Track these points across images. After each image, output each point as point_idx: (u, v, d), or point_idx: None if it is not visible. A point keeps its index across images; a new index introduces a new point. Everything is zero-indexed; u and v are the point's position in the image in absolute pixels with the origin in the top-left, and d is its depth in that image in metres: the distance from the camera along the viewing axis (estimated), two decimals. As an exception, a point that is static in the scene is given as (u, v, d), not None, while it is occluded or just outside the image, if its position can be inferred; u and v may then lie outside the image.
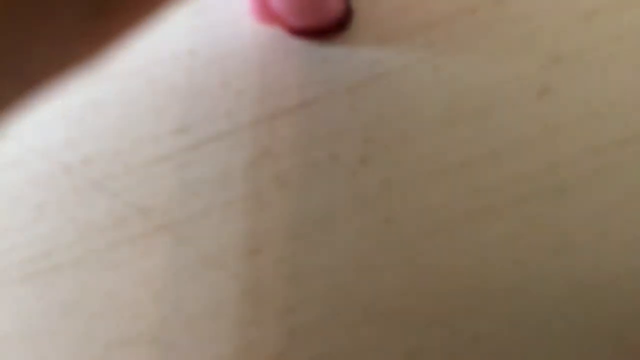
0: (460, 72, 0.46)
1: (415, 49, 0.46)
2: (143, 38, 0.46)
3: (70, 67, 0.30)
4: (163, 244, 0.44)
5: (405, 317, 0.42)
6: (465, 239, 0.43)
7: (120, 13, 0.30)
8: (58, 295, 0.43)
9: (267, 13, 0.45)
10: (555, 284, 0.42)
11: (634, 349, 0.41)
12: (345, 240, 0.43)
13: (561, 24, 0.46)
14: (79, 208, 0.44)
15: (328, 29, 0.46)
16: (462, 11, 0.46)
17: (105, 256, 0.44)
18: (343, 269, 0.43)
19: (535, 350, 0.42)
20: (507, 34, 0.46)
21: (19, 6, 0.26)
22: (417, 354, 0.42)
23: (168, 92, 0.46)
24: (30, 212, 0.44)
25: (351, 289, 0.43)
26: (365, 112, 0.45)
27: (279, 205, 0.44)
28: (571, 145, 0.44)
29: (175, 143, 0.45)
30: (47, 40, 0.28)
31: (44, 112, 0.46)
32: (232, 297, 0.43)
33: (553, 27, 0.46)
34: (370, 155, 0.45)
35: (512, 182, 0.44)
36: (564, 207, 0.43)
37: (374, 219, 0.44)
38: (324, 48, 0.46)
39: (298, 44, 0.47)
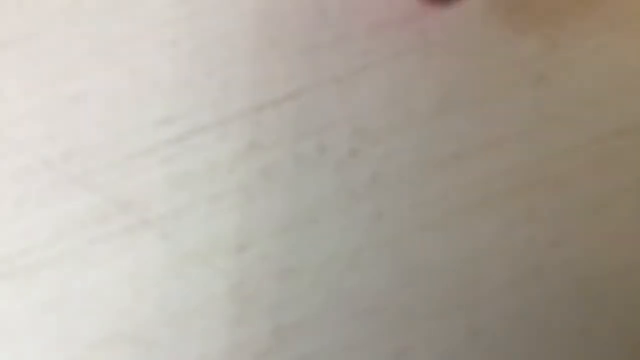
0: (453, 60, 0.44)
1: (406, 37, 0.45)
2: (125, 28, 0.45)
3: None
4: (146, 240, 0.42)
5: (395, 314, 0.41)
6: (458, 232, 0.42)
7: None
8: (38, 293, 0.42)
9: None
10: (552, 278, 0.41)
11: (633, 343, 0.40)
12: (334, 235, 0.42)
13: (557, 10, 0.45)
14: (59, 203, 0.43)
15: None
16: (455, -2, 0.45)
17: (86, 253, 0.42)
18: (331, 265, 0.42)
19: (533, 345, 0.40)
20: (501, 20, 0.45)
21: None
22: (408, 351, 0.40)
23: (151, 83, 0.45)
24: (9, 208, 0.43)
25: (339, 286, 0.41)
26: (354, 102, 0.44)
27: (265, 200, 0.43)
28: (568, 135, 0.43)
29: (158, 135, 0.44)
30: None
31: (22, 105, 0.45)
32: (218, 294, 0.41)
33: (549, 12, 0.45)
34: (360, 147, 0.43)
35: (506, 173, 0.43)
36: (560, 199, 0.42)
37: (363, 213, 0.42)
38: (311, 36, 0.45)
39: (285, 33, 0.45)
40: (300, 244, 0.42)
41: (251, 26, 0.45)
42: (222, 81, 0.45)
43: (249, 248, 0.42)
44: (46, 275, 0.42)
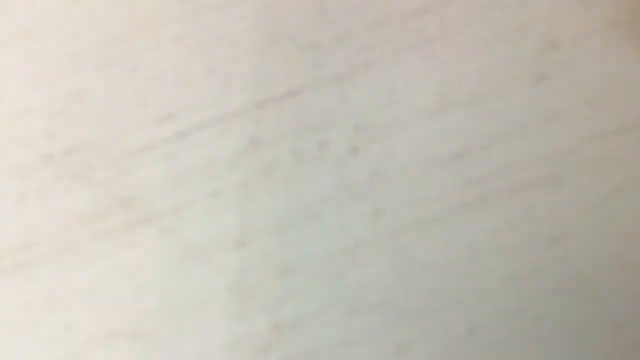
0: (453, 59, 0.44)
1: (406, 35, 0.45)
2: (126, 25, 0.45)
3: None
4: (146, 236, 0.42)
5: (395, 311, 0.41)
6: (457, 230, 0.42)
7: None
8: (38, 289, 0.42)
9: None
10: (551, 275, 0.41)
11: (630, 341, 0.40)
12: (334, 232, 0.42)
13: (558, 9, 0.45)
14: (61, 199, 0.43)
15: None
16: (455, -4, 0.45)
17: (87, 249, 0.42)
18: (331, 261, 0.42)
19: (531, 343, 0.40)
20: (501, 18, 0.45)
21: None
22: (407, 347, 0.40)
23: (152, 80, 0.45)
24: (10, 203, 0.43)
25: (339, 282, 0.41)
26: (354, 100, 0.44)
27: (266, 196, 0.43)
28: (567, 134, 0.43)
29: (159, 132, 0.44)
30: None
31: (24, 102, 0.45)
32: (218, 290, 0.42)
33: (549, 11, 0.45)
34: (360, 145, 0.44)
35: (505, 171, 0.43)
36: (559, 197, 0.42)
37: (363, 211, 0.42)
38: (312, 34, 0.45)
39: (285, 30, 0.45)
40: (300, 241, 0.42)
41: (252, 24, 0.46)
42: (223, 78, 0.45)
43: (249, 244, 0.42)
44: (47, 270, 0.42)
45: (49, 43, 0.46)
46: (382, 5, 0.45)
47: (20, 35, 0.46)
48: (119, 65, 0.45)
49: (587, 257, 0.41)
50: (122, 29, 0.46)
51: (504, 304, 0.41)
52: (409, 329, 0.41)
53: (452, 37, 0.45)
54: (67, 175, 0.44)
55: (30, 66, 0.45)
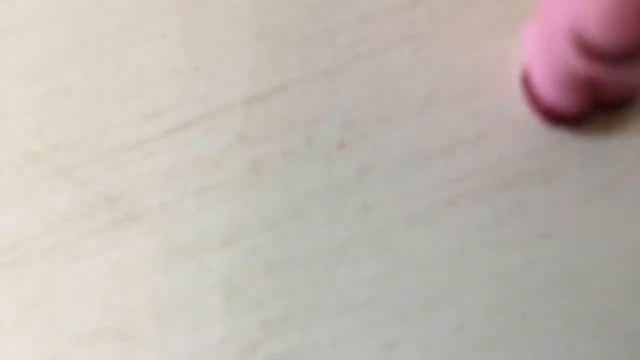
0: (442, 53, 0.44)
1: (395, 29, 0.45)
2: (111, 21, 0.45)
3: None
4: (132, 234, 0.42)
5: (383, 308, 0.40)
6: (446, 226, 0.41)
7: None
8: (25, 287, 0.42)
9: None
10: (541, 271, 0.40)
11: (622, 336, 0.39)
12: (321, 229, 0.42)
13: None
14: (46, 197, 0.43)
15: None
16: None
17: (73, 247, 0.42)
18: (319, 259, 0.41)
19: (520, 340, 0.40)
20: (490, 12, 0.44)
21: None
22: (395, 345, 0.40)
23: (138, 76, 0.44)
24: (-5, 202, 0.43)
25: (327, 280, 0.41)
26: (342, 95, 0.44)
27: (253, 193, 0.42)
28: (557, 129, 0.42)
29: (146, 129, 0.44)
30: None
31: (9, 100, 0.44)
32: (205, 288, 0.41)
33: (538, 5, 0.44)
34: (348, 140, 0.43)
35: (496, 166, 0.42)
36: (550, 191, 0.42)
37: (351, 206, 0.42)
38: (300, 29, 0.45)
39: (273, 26, 0.45)
40: (288, 238, 0.42)
41: (240, 19, 0.45)
42: (210, 74, 0.44)
43: (236, 242, 0.42)
44: (33, 269, 0.42)
45: (34, 40, 0.45)
46: (370, 0, 0.45)
47: (4, 32, 0.46)
48: (104, 62, 0.45)
49: (577, 253, 0.41)
50: (108, 25, 0.45)
51: (492, 300, 0.40)
52: (397, 327, 0.40)
53: (441, 31, 0.44)
54: (53, 173, 0.43)
55: (15, 63, 0.45)
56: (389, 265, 0.41)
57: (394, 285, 0.41)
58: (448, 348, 0.40)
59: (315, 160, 0.43)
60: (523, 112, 0.43)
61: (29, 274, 0.42)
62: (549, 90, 0.40)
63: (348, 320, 0.40)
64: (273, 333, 0.40)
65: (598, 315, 0.40)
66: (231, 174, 0.43)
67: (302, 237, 0.42)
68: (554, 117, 0.41)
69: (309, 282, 0.41)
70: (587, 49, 0.34)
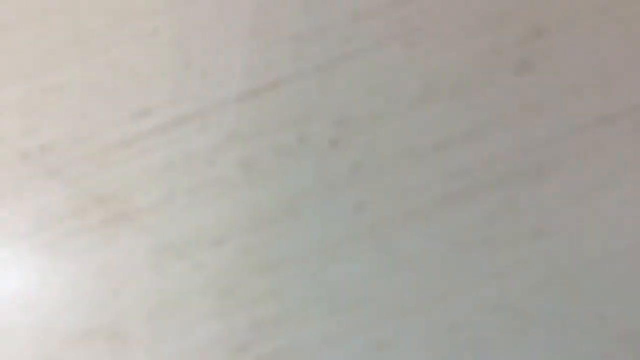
0: (435, 48, 0.43)
1: (388, 24, 0.44)
2: (102, 19, 0.44)
3: None
4: (123, 234, 0.42)
5: (376, 307, 0.40)
6: (440, 223, 0.41)
7: None
8: (14, 287, 0.41)
9: None
10: (534, 268, 0.40)
11: (616, 333, 0.39)
12: (313, 227, 0.41)
13: (542, -4, 0.44)
14: (37, 196, 0.43)
15: None
16: (437, -16, 0.44)
17: (64, 246, 0.42)
18: (310, 258, 0.41)
19: (514, 338, 0.39)
20: (483, 6, 0.44)
21: None
22: (388, 344, 0.40)
23: (129, 74, 0.44)
24: (-14, 201, 0.43)
25: (319, 279, 0.41)
26: (335, 92, 0.43)
27: (245, 191, 0.42)
28: (550, 123, 0.42)
29: (136, 127, 0.43)
30: None
31: (0, 99, 0.44)
32: (196, 288, 0.41)
33: (533, -1, 0.44)
34: (341, 138, 0.43)
35: (488, 163, 0.42)
36: (543, 188, 0.41)
37: (344, 204, 0.42)
38: (292, 25, 0.44)
39: (265, 22, 0.44)
40: (280, 237, 0.41)
41: (231, 16, 0.45)
42: (202, 71, 0.44)
43: (228, 241, 0.41)
44: (23, 269, 0.42)
45: (24, 37, 0.45)
46: (362, -6, 0.45)
47: (-6, 30, 0.45)
48: (95, 60, 0.44)
49: (571, 250, 0.40)
50: (99, 22, 0.45)
51: (486, 298, 0.40)
52: (390, 326, 0.40)
53: (434, 27, 0.44)
54: (43, 172, 0.43)
55: (5, 61, 0.45)
56: (381, 263, 0.41)
57: (385, 284, 0.40)
58: (440, 347, 0.40)
59: (308, 158, 0.42)
60: (516, 107, 0.42)
61: (19, 273, 0.42)
62: None
63: (340, 320, 0.40)
64: (264, 332, 0.40)
65: (591, 313, 0.39)
66: (223, 172, 0.43)
67: (294, 235, 0.41)
68: None
69: (301, 281, 0.41)
70: None
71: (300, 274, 0.41)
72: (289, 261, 0.41)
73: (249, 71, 0.44)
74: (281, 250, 0.41)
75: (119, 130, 0.43)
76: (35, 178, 0.43)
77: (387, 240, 0.41)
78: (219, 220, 0.42)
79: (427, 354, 0.39)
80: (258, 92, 0.43)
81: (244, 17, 0.45)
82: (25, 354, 0.40)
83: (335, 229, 0.41)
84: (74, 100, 0.44)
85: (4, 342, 0.41)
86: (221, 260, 0.41)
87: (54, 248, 0.42)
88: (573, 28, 0.43)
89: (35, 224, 0.42)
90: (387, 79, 0.43)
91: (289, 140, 0.43)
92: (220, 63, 0.44)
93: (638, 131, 0.41)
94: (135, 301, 0.41)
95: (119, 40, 0.45)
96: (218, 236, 0.41)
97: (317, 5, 0.45)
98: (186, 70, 0.44)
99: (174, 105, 0.44)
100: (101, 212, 0.42)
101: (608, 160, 0.41)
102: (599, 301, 0.39)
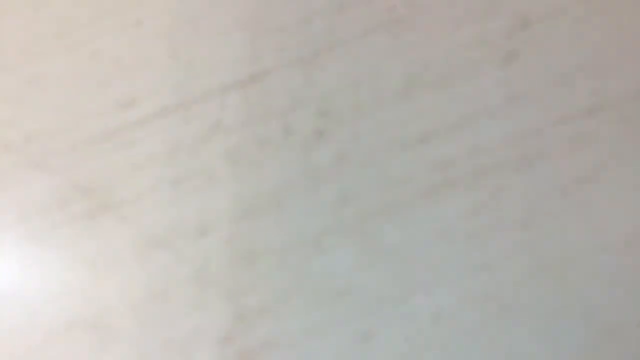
0: (420, 39, 0.43)
1: (373, 15, 0.44)
2: (87, 9, 0.44)
3: None
4: (107, 224, 0.42)
5: (359, 298, 0.40)
6: (425, 214, 0.41)
7: None
8: (-2, 279, 0.41)
9: None
10: (521, 260, 0.40)
11: (603, 326, 0.39)
12: (298, 218, 0.41)
13: (528, -13, 0.44)
14: (20, 187, 0.42)
15: None
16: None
17: (47, 237, 0.42)
18: (294, 249, 0.41)
19: (499, 330, 0.39)
20: (469, -3, 0.44)
21: None
22: (372, 335, 0.39)
23: (113, 65, 0.44)
24: (-31, 192, 0.43)
25: (303, 270, 0.40)
26: (320, 83, 0.43)
27: (229, 183, 0.42)
28: (538, 114, 0.42)
29: (120, 118, 0.43)
30: None
31: (-17, 88, 0.44)
32: (180, 279, 0.41)
33: (519, -10, 0.44)
34: (326, 129, 0.42)
35: (475, 154, 0.42)
36: (529, 179, 0.41)
37: (328, 196, 0.41)
38: (277, 17, 0.44)
39: (250, 14, 0.44)
40: (264, 228, 0.41)
41: (216, 7, 0.45)
42: (186, 62, 0.44)
43: (212, 232, 0.41)
44: (6, 259, 0.41)
45: (7, 28, 0.45)
46: (348, -15, 0.44)
47: (-23, 20, 0.45)
48: (79, 50, 0.44)
49: (557, 241, 0.40)
50: (83, 13, 0.45)
51: (471, 290, 0.40)
52: (374, 317, 0.40)
53: (420, 17, 0.44)
54: (28, 162, 0.43)
55: (-11, 52, 0.44)
56: (365, 254, 0.40)
57: (370, 275, 0.40)
58: (425, 338, 0.39)
59: (293, 149, 0.42)
60: (502, 97, 0.42)
61: (3, 264, 0.41)
62: None
63: (325, 311, 0.40)
64: (248, 324, 0.40)
65: (576, 305, 0.39)
66: (207, 163, 0.42)
67: (278, 226, 0.41)
68: None
69: (285, 272, 0.41)
70: None
71: (285, 265, 0.41)
72: (273, 252, 0.41)
73: (233, 62, 0.44)
74: (265, 241, 0.41)
75: (103, 121, 0.43)
76: (19, 169, 0.43)
77: (371, 232, 0.41)
78: (203, 212, 0.42)
79: (412, 345, 0.39)
80: (243, 83, 0.43)
81: (229, 8, 0.44)
82: (8, 345, 0.40)
83: (319, 220, 0.41)
84: (58, 91, 0.44)
85: (-13, 334, 0.41)
86: (205, 251, 0.41)
87: (37, 239, 0.42)
88: (559, 19, 0.43)
89: (19, 215, 0.42)
90: (372, 70, 0.43)
91: (273, 131, 0.43)
92: (204, 54, 0.44)
93: (624, 122, 0.41)
94: (120, 292, 0.41)
95: (103, 31, 0.45)
96: (202, 227, 0.41)
97: (302, -4, 0.45)
98: (170, 61, 0.44)
99: (158, 96, 0.43)
100: (85, 203, 0.42)
101: (594, 152, 0.41)
102: (584, 293, 0.39)
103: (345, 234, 0.41)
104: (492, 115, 0.42)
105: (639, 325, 0.39)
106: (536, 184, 0.41)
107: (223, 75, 0.43)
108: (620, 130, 0.41)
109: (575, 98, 0.42)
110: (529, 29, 0.43)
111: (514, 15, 0.43)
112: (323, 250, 0.41)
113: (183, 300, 0.40)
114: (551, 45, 0.43)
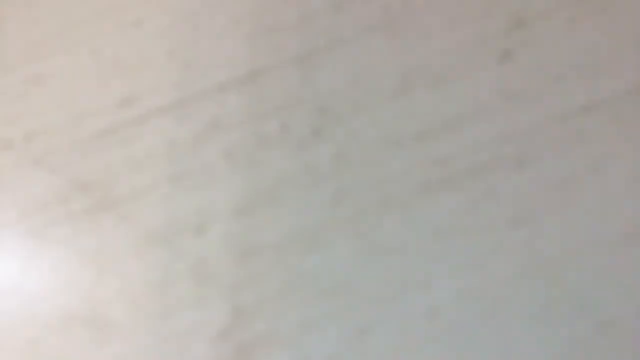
0: (417, 38, 0.44)
1: (370, 14, 0.44)
2: (86, 9, 0.45)
3: None
4: (106, 221, 0.42)
5: (356, 294, 0.40)
6: (420, 211, 0.41)
7: None
8: (-2, 275, 0.42)
9: None
10: (514, 257, 0.40)
11: (595, 321, 0.39)
12: (295, 215, 0.42)
13: (523, -13, 0.44)
14: (21, 185, 0.43)
15: None
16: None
17: (47, 234, 0.42)
18: (291, 245, 0.41)
19: (493, 326, 0.40)
20: (464, -3, 0.44)
21: None
22: (368, 331, 0.40)
23: (112, 64, 0.44)
24: (-31, 189, 0.43)
25: (300, 266, 0.41)
26: (317, 81, 0.44)
27: (227, 180, 0.42)
28: (531, 113, 0.42)
29: (119, 116, 0.44)
30: None
31: (-16, 87, 0.44)
32: (177, 275, 0.41)
33: (514, -10, 0.44)
34: (323, 127, 0.43)
35: (470, 152, 0.42)
36: (524, 177, 0.41)
37: (325, 193, 0.42)
38: (275, 16, 0.45)
39: (248, 13, 0.45)
40: (261, 225, 0.42)
41: (215, 6, 0.45)
42: (184, 61, 0.44)
43: (209, 228, 0.42)
44: (6, 256, 0.42)
45: (8, 27, 0.45)
46: (345, -15, 0.45)
47: (-22, 19, 0.46)
48: (79, 49, 0.45)
49: (552, 238, 0.40)
50: (83, 12, 0.45)
51: (466, 286, 0.40)
52: (370, 313, 0.40)
53: (416, 16, 0.44)
54: (27, 160, 0.43)
55: (-10, 51, 0.45)
56: (361, 251, 0.41)
57: (367, 270, 0.41)
58: (421, 333, 0.40)
59: (290, 147, 0.43)
60: (497, 96, 0.42)
61: (3, 260, 0.42)
62: None
63: (321, 306, 0.40)
64: (245, 319, 0.40)
65: (570, 302, 0.39)
66: (205, 160, 0.43)
67: (275, 223, 0.42)
68: None
69: (282, 268, 0.41)
70: None
71: (281, 261, 0.41)
72: (270, 248, 0.41)
73: (231, 61, 0.44)
74: (262, 238, 0.41)
75: (102, 119, 0.44)
76: (19, 166, 0.43)
77: (367, 229, 0.41)
78: (202, 208, 0.42)
79: (408, 340, 0.39)
80: (241, 81, 0.44)
81: (227, 7, 0.45)
82: (8, 340, 0.41)
83: (316, 217, 0.42)
84: (58, 89, 0.44)
85: (-13, 329, 0.41)
86: (203, 248, 0.41)
87: (37, 235, 0.42)
88: (554, 18, 0.44)
89: (19, 212, 0.42)
90: (368, 69, 0.44)
91: (271, 129, 0.43)
92: (203, 53, 0.44)
93: (618, 120, 0.42)
94: (118, 288, 0.41)
95: (103, 30, 0.45)
96: (200, 224, 0.42)
97: (300, -4, 0.45)
98: (169, 60, 0.44)
99: (157, 95, 0.44)
100: (85, 200, 0.42)
101: (589, 150, 0.41)
102: (578, 289, 0.40)
103: (342, 230, 0.41)
104: (488, 113, 0.42)
105: (633, 319, 0.39)
106: (531, 182, 0.41)
107: (221, 73, 0.44)
108: (614, 128, 0.42)
109: (570, 97, 0.42)
110: (524, 29, 0.43)
111: (509, 15, 0.44)
112: (319, 246, 0.41)
113: (181, 296, 0.41)
114: (546, 44, 0.43)
